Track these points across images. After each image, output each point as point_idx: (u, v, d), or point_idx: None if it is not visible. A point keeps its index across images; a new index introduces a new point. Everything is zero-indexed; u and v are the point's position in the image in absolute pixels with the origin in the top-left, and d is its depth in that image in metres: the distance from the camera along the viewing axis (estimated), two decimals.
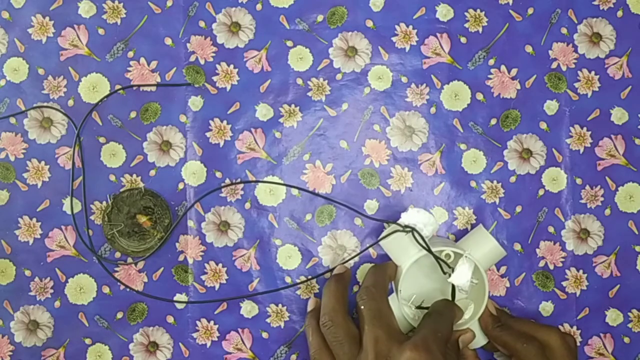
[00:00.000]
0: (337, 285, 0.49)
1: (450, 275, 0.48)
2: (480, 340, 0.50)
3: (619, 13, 0.54)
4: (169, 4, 0.54)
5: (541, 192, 0.54)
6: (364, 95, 0.54)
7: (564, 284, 0.54)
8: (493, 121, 0.54)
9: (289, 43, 0.54)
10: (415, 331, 0.46)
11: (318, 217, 0.54)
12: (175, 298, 0.53)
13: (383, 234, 0.51)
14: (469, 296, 0.49)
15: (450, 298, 0.50)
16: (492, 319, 0.50)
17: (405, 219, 0.49)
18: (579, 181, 0.54)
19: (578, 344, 0.53)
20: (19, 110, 0.53)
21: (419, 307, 0.50)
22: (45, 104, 0.54)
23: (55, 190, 0.53)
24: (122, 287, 0.53)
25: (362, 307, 0.46)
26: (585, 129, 0.54)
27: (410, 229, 0.48)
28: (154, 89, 0.54)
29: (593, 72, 0.54)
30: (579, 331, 0.53)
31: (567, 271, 0.54)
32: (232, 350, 0.54)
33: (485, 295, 0.49)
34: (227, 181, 0.54)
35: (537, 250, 0.54)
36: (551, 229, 0.54)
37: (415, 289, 0.50)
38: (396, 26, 0.54)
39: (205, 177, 0.54)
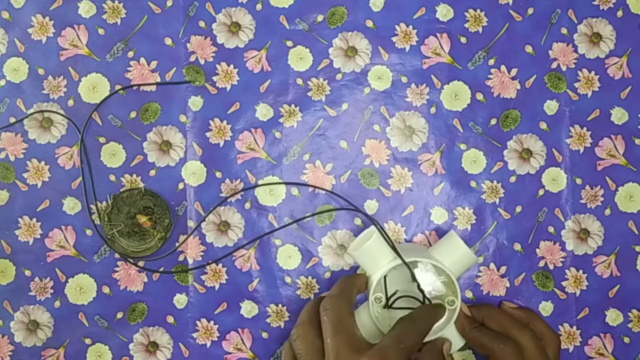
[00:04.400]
0: (314, 301, 0.49)
1: (418, 284, 0.48)
2: (457, 343, 0.50)
3: (619, 13, 0.54)
4: (169, 4, 0.54)
5: (541, 192, 0.54)
6: (364, 95, 0.54)
7: (563, 284, 0.54)
8: (493, 121, 0.54)
9: (289, 43, 0.54)
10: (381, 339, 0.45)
11: (318, 217, 0.54)
12: (175, 298, 0.53)
13: (353, 244, 0.51)
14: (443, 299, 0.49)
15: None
16: (468, 321, 0.50)
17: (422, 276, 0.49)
18: (579, 181, 0.54)
19: (578, 344, 0.54)
20: (18, 110, 0.53)
21: (391, 307, 0.49)
22: (45, 105, 0.54)
23: (55, 190, 0.53)
24: (122, 287, 0.53)
25: (325, 317, 0.46)
26: (585, 129, 0.54)
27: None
28: (154, 88, 0.54)
29: (593, 72, 0.54)
30: (579, 331, 0.53)
31: (567, 271, 0.54)
32: (232, 350, 0.54)
33: (457, 300, 0.49)
34: (227, 181, 0.54)
35: (537, 250, 0.54)
36: (551, 229, 0.54)
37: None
38: (396, 26, 0.54)
39: (205, 177, 0.54)
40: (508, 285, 0.53)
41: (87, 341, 0.54)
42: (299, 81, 0.54)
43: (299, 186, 0.54)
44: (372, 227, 0.50)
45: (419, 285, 0.49)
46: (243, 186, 0.54)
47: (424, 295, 0.49)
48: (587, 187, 0.54)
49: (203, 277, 0.54)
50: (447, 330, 0.49)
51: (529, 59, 0.54)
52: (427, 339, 0.48)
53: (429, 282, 0.49)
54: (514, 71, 0.54)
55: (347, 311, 0.47)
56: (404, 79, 0.54)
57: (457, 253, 0.49)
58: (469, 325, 0.50)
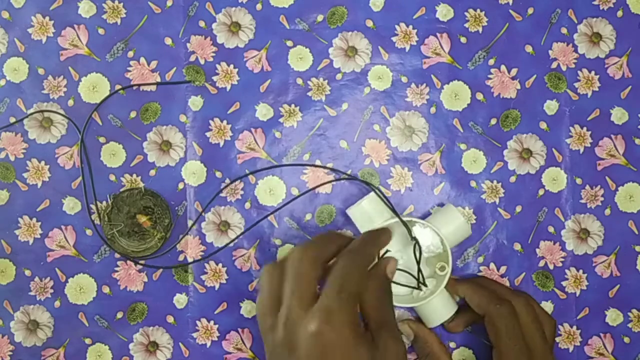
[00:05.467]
0: (330, 235, 0.46)
1: (415, 243, 0.49)
2: (450, 309, 0.50)
3: (619, 13, 0.54)
4: (169, 4, 0.54)
5: (541, 192, 0.54)
6: (364, 95, 0.54)
7: (563, 283, 0.54)
8: (493, 121, 0.54)
9: (289, 43, 0.54)
10: (322, 291, 0.42)
11: (318, 217, 0.54)
12: (175, 298, 0.53)
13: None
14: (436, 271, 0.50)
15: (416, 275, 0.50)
16: (463, 280, 0.50)
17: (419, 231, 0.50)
18: (579, 181, 0.54)
19: (578, 343, 0.54)
20: (18, 110, 0.54)
21: None
22: (45, 105, 0.54)
23: (55, 190, 0.53)
24: (122, 287, 0.53)
25: (288, 265, 0.43)
26: (585, 128, 0.54)
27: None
28: (154, 88, 0.54)
29: (593, 72, 0.54)
30: (579, 331, 0.53)
31: (567, 271, 0.54)
32: (232, 350, 0.54)
33: (448, 266, 0.49)
34: (227, 181, 0.54)
35: (537, 250, 0.54)
36: (551, 229, 0.54)
37: None
38: (396, 26, 0.54)
39: (205, 177, 0.54)
40: (508, 285, 0.53)
41: (87, 341, 0.54)
42: (299, 81, 0.54)
43: (300, 186, 0.54)
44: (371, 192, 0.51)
45: (416, 244, 0.49)
46: (243, 186, 0.54)
47: (417, 259, 0.49)
48: (587, 187, 0.54)
49: (203, 277, 0.54)
50: (438, 296, 0.49)
51: (529, 59, 0.54)
52: (418, 304, 0.49)
53: (429, 237, 0.50)
54: (514, 71, 0.54)
55: (311, 265, 0.43)
56: (404, 79, 0.54)
57: (454, 224, 0.50)
58: (465, 282, 0.50)
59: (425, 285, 0.49)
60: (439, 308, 0.50)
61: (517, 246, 0.54)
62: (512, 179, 0.54)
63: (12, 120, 0.54)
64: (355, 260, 0.43)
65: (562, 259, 0.54)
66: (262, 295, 0.43)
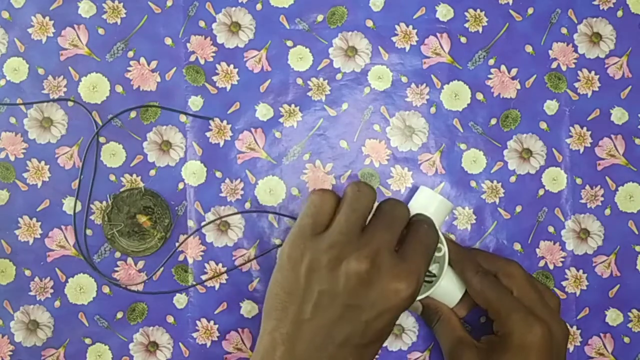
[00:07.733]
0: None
1: None
2: (459, 290, 0.50)
3: (619, 13, 0.54)
4: (169, 4, 0.54)
5: (541, 192, 0.54)
6: (364, 95, 0.54)
7: (563, 283, 0.54)
8: (493, 121, 0.54)
9: (289, 43, 0.54)
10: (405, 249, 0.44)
11: None
12: (175, 298, 0.53)
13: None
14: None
15: None
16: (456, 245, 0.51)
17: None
18: (579, 181, 0.54)
19: (578, 343, 0.54)
20: (18, 110, 0.54)
21: None
22: (45, 105, 0.54)
23: (55, 190, 0.53)
24: (121, 287, 0.53)
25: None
26: (585, 128, 0.54)
27: None
28: (154, 88, 0.54)
29: (593, 72, 0.54)
30: (579, 331, 0.53)
31: (567, 271, 0.54)
32: (232, 350, 0.54)
33: (444, 246, 0.48)
34: (227, 181, 0.54)
35: (537, 250, 0.54)
36: (551, 229, 0.54)
37: None
38: (396, 26, 0.54)
39: (205, 177, 0.54)
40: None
41: (87, 341, 0.54)
42: (299, 81, 0.54)
43: (300, 186, 0.54)
44: None
45: None
46: (243, 186, 0.54)
47: None
48: (587, 187, 0.54)
49: (203, 277, 0.54)
50: (445, 278, 0.49)
51: (529, 59, 0.54)
52: (430, 291, 0.49)
53: None
54: (514, 71, 0.54)
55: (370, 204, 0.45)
56: (404, 79, 0.54)
57: (433, 205, 0.49)
58: (456, 250, 0.50)
59: (434, 275, 0.49)
60: (450, 288, 0.50)
61: (517, 246, 0.54)
62: (512, 179, 0.54)
63: (13, 120, 0.54)
64: (434, 239, 0.46)
65: (562, 259, 0.54)
66: (311, 212, 0.44)
